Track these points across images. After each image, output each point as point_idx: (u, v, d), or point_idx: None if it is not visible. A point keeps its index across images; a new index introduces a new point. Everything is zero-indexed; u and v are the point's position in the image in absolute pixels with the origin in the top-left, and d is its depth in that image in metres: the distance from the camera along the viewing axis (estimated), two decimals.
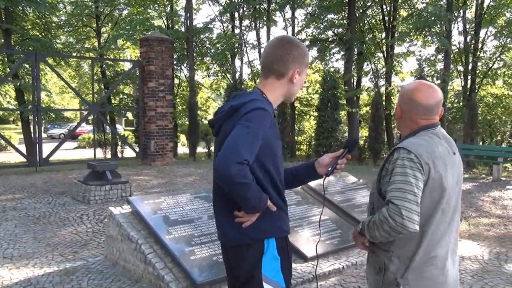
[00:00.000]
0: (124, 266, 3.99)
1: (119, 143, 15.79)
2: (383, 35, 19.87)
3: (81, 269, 4.21)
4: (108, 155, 15.20)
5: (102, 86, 19.27)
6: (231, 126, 1.77)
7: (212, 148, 15.33)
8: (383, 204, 1.85)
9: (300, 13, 20.31)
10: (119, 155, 15.53)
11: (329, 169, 2.03)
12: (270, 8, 18.74)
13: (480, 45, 18.21)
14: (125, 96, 20.96)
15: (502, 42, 18.10)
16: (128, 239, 3.84)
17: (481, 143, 19.01)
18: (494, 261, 4.58)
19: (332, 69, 19.28)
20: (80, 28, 20.46)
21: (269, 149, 1.80)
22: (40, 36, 17.38)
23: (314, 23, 18.87)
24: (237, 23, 19.97)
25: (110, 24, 20.74)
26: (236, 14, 19.68)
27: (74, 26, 19.96)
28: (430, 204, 1.83)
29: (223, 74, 20.95)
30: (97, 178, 7.17)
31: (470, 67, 17.96)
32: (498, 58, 18.56)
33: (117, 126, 24.76)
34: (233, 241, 1.87)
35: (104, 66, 19.24)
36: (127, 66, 20.53)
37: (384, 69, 19.67)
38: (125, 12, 20.42)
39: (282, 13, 19.81)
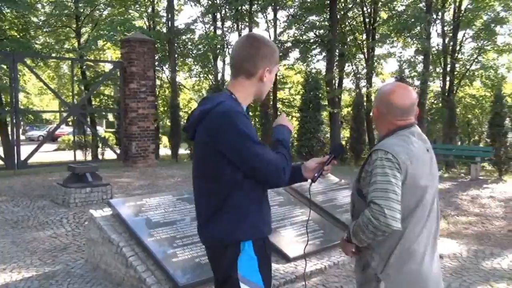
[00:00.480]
0: (105, 269, 3.95)
1: (100, 145, 15.59)
2: (364, 36, 20.08)
3: (61, 273, 4.15)
4: (89, 157, 15.00)
5: (83, 87, 19.00)
6: (204, 133, 1.80)
7: None
8: (364, 204, 1.88)
9: (282, 15, 20.41)
10: (100, 157, 15.32)
11: (315, 175, 2.05)
12: (252, 9, 18.77)
13: (458, 47, 18.54)
14: (106, 98, 20.71)
15: (479, 44, 18.48)
16: (109, 242, 3.80)
17: (459, 143, 19.38)
18: (472, 258, 4.67)
19: (314, 70, 19.40)
20: (60, 29, 20.12)
21: None
22: (18, 36, 17.04)
23: (296, 24, 18.96)
24: (219, 24, 19.95)
25: (90, 25, 20.45)
26: (218, 15, 19.65)
27: (53, 27, 19.61)
28: (410, 202, 1.87)
29: (205, 75, 20.88)
30: (77, 181, 7.06)
31: (448, 69, 18.28)
32: (476, 60, 18.93)
33: (98, 127, 24.40)
34: (210, 243, 1.89)
35: (84, 67, 18.97)
36: (108, 67, 20.29)
37: (365, 70, 19.88)
38: (105, 12, 20.17)
39: (264, 14, 19.86)
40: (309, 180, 2.09)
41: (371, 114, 2.18)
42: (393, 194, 1.77)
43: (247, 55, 1.87)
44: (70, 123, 24.09)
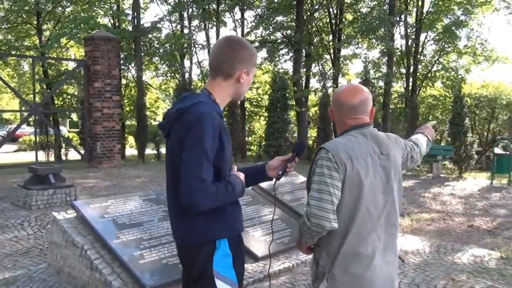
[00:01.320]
0: (69, 273, 3.84)
1: (63, 145, 15.17)
2: (330, 37, 20.38)
3: (22, 278, 4.01)
4: (52, 158, 14.58)
5: (45, 86, 18.43)
6: (179, 131, 1.80)
7: (162, 150, 15.08)
8: None
9: (249, 15, 20.48)
10: (64, 157, 14.92)
11: (279, 172, 2.09)
12: (220, 8, 18.71)
13: (420, 49, 19.10)
14: (69, 97, 20.17)
15: (441, 47, 19.10)
16: (73, 245, 3.70)
17: None
18: (435, 254, 4.82)
19: (281, 70, 19.52)
20: (20, 25, 19.45)
21: (222, 151, 1.83)
22: None
23: (263, 24, 19.05)
24: (186, 23, 19.79)
25: (52, 22, 19.86)
26: (185, 14, 19.49)
27: (12, 23, 18.93)
28: (350, 201, 1.86)
29: (172, 74, 20.67)
30: (39, 182, 6.84)
31: (411, 70, 18.80)
32: (437, 61, 19.56)
33: (61, 127, 23.75)
34: (186, 241, 1.90)
35: (46, 65, 18.42)
36: (71, 65, 19.77)
37: (332, 71, 20.19)
38: (68, 9, 19.64)
39: (232, 14, 19.85)
40: (274, 179, 2.12)
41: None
42: (326, 194, 1.79)
43: (225, 56, 1.89)
44: (32, 123, 23.33)
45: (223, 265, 1.86)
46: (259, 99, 22.21)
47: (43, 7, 18.18)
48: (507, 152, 11.11)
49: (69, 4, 19.02)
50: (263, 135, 14.65)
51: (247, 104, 20.75)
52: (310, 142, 17.07)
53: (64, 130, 28.20)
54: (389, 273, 1.97)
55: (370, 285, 1.90)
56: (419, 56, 18.96)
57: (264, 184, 5.15)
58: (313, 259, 2.06)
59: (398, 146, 2.12)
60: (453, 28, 17.47)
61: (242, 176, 1.97)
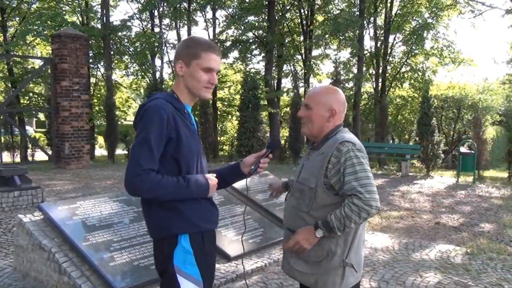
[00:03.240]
0: (35, 277, 3.74)
1: (30, 145, 14.73)
2: (302, 38, 20.54)
3: None
4: (17, 159, 14.14)
5: (10, 85, 17.84)
6: (138, 126, 1.87)
7: None
8: (330, 197, 2.01)
9: (221, 14, 20.42)
10: (30, 158, 14.49)
11: (252, 168, 2.10)
12: (191, 7, 18.58)
13: (389, 50, 19.50)
14: (36, 96, 19.60)
15: (409, 48, 19.55)
16: (40, 248, 3.60)
17: (391, 141, 20.39)
18: (403, 250, 4.93)
19: (253, 70, 19.55)
20: None
21: (178, 143, 1.84)
22: None
23: (234, 24, 19.04)
24: (157, 21, 19.56)
25: (17, 18, 19.25)
26: (156, 12, 19.26)
27: None
28: None
29: (143, 73, 20.40)
30: (3, 184, 6.62)
31: (380, 71, 19.16)
32: (405, 63, 20.00)
33: (27, 127, 23.06)
34: (152, 236, 1.96)
35: (11, 63, 17.83)
36: (37, 63, 19.22)
37: (303, 71, 20.35)
38: (34, 5, 19.07)
39: (203, 13, 19.76)
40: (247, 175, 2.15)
41: (322, 115, 2.18)
42: (373, 180, 1.99)
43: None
44: None
45: (184, 261, 1.85)
46: (231, 98, 22.19)
47: (8, 2, 17.61)
48: (472, 151, 11.48)
49: (35, 0, 18.48)
50: (235, 135, 14.61)
51: (219, 104, 20.69)
52: (282, 142, 17.14)
53: (31, 130, 27.42)
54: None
55: (362, 261, 2.18)
56: (388, 57, 19.35)
57: (236, 184, 5.13)
58: (318, 255, 2.04)
59: None
60: (419, 31, 17.92)
61: (212, 179, 1.94)
